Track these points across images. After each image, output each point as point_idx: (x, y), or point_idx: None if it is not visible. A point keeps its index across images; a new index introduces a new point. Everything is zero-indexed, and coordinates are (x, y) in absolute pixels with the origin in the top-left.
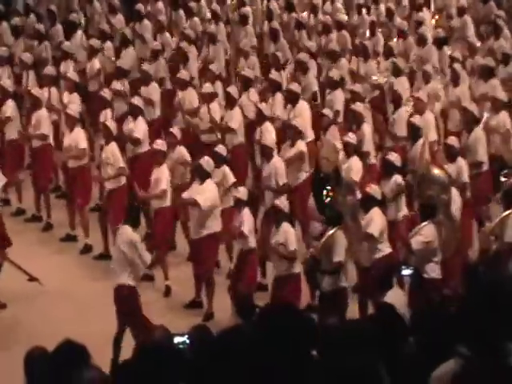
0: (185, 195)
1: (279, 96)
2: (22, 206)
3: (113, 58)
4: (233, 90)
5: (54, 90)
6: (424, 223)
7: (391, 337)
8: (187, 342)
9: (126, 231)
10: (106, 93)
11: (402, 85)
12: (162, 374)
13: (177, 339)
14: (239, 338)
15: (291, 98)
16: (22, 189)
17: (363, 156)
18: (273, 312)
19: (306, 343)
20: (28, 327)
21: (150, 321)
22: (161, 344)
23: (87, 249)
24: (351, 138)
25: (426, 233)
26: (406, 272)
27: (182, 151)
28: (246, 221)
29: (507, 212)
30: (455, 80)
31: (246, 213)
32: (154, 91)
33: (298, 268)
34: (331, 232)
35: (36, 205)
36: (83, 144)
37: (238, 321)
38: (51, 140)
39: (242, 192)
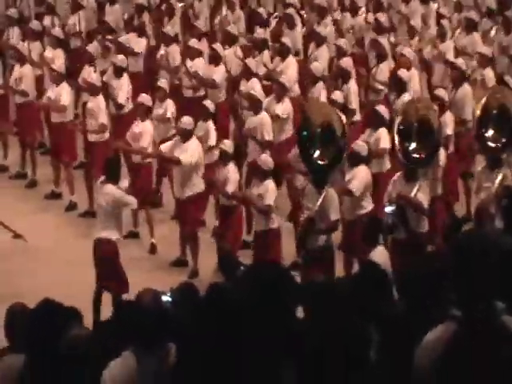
0: (164, 148)
1: (266, 53)
2: (5, 163)
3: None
4: (218, 46)
5: (37, 44)
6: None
7: (377, 295)
8: (170, 300)
9: (107, 189)
10: (91, 48)
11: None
12: (144, 334)
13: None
14: (224, 296)
15: (283, 52)
16: (8, 146)
17: (349, 113)
18: (257, 269)
19: (290, 301)
20: (13, 284)
21: (126, 277)
22: (147, 309)
23: (72, 206)
24: (338, 96)
25: (426, 190)
26: (389, 209)
27: (169, 105)
28: (232, 177)
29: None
30: (442, 36)
31: (231, 168)
32: (138, 43)
33: (277, 223)
34: (325, 192)
35: (21, 161)
36: (65, 99)
37: (221, 278)
38: (34, 96)
39: (228, 145)
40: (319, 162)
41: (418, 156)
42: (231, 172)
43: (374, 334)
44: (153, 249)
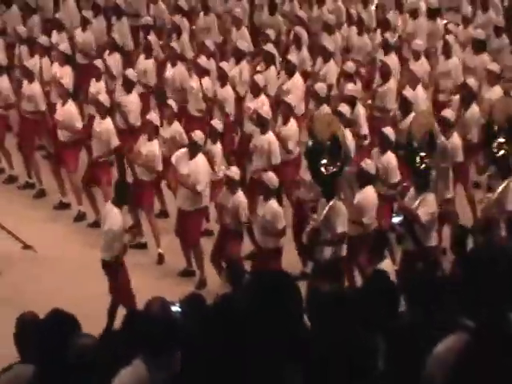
0: (173, 160)
1: (273, 69)
2: (14, 173)
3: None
4: (225, 65)
5: (46, 60)
6: (424, 196)
7: (384, 305)
8: (179, 310)
9: (114, 212)
10: (99, 63)
11: (391, 59)
12: (153, 343)
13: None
14: (232, 306)
15: (289, 69)
16: (11, 156)
17: (359, 139)
18: (261, 276)
19: (294, 307)
20: (23, 294)
21: (131, 294)
22: (157, 317)
23: (81, 216)
24: (344, 109)
25: (430, 204)
26: (396, 220)
27: (177, 128)
28: (242, 205)
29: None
30: (447, 52)
31: (241, 196)
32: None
33: (282, 242)
34: (332, 203)
35: (28, 172)
36: (78, 124)
37: (229, 288)
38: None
39: (235, 172)
40: (324, 172)
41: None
42: (241, 199)
43: (381, 344)
44: (160, 259)
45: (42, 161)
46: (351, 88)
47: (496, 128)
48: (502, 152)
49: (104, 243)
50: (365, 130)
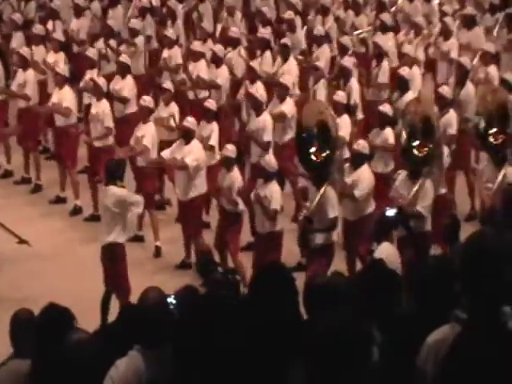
0: (166, 154)
1: (268, 53)
2: (10, 168)
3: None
4: (219, 48)
5: (41, 48)
6: (422, 183)
7: (381, 293)
8: (174, 302)
9: (111, 190)
10: (91, 52)
11: (386, 40)
12: (151, 336)
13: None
14: (226, 298)
15: (284, 53)
16: (10, 150)
17: (352, 111)
18: (264, 272)
19: (293, 302)
20: (18, 287)
21: (129, 283)
22: (152, 307)
23: (77, 210)
24: (341, 96)
25: (430, 195)
26: (391, 213)
27: (174, 109)
28: (237, 184)
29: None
30: (446, 33)
31: (236, 174)
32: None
33: (280, 225)
34: (322, 190)
35: (25, 166)
36: (68, 102)
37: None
38: (36, 101)
39: (231, 150)
40: (313, 158)
41: (420, 154)
42: (236, 178)
43: (378, 335)
44: (158, 251)
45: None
46: (347, 59)
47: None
48: (498, 141)
49: (104, 225)
50: (356, 99)
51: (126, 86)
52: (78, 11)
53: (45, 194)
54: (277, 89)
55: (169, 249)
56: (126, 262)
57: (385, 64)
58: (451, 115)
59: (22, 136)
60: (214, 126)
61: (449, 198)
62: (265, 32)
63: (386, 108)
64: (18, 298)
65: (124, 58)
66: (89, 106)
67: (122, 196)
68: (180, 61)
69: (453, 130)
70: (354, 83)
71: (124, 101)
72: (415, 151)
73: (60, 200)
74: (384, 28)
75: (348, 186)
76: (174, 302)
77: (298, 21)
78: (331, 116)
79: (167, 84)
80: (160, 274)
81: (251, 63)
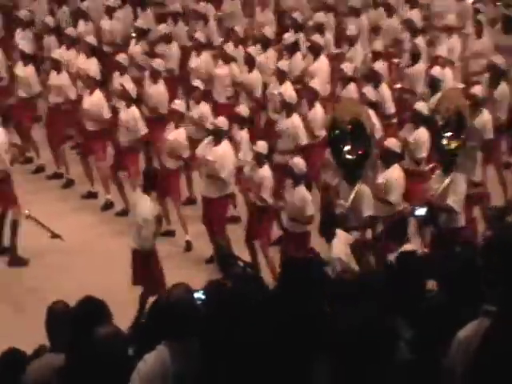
0: (199, 152)
1: (298, 55)
2: (42, 163)
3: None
4: (252, 50)
5: (73, 51)
6: (453, 177)
7: (412, 288)
8: (202, 297)
9: (144, 204)
10: (121, 58)
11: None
12: (178, 330)
13: (195, 295)
14: (251, 292)
15: (314, 50)
16: (36, 145)
17: (386, 118)
18: (288, 264)
19: (319, 297)
20: (51, 284)
21: (165, 284)
22: (178, 301)
23: (108, 205)
24: (370, 92)
25: (461, 189)
26: (421, 212)
27: (205, 108)
28: (267, 181)
29: None
30: (479, 32)
31: (266, 170)
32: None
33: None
34: (357, 188)
35: (55, 162)
36: (106, 112)
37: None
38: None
39: (262, 146)
40: (348, 156)
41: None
42: (266, 175)
43: (405, 329)
44: (188, 246)
45: (69, 151)
46: (378, 66)
47: None
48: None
49: (135, 232)
50: (390, 108)
51: (158, 92)
52: (110, 12)
53: (76, 188)
54: (306, 93)
55: (199, 243)
56: (159, 264)
57: (420, 68)
58: (487, 118)
59: (50, 133)
60: (245, 133)
61: (481, 195)
62: (291, 35)
63: (419, 106)
64: (49, 289)
65: (156, 62)
66: (116, 108)
67: (148, 219)
68: (211, 65)
69: (490, 134)
70: (384, 89)
71: (154, 111)
72: (447, 142)
73: (91, 195)
74: (414, 30)
75: (380, 189)
76: (202, 297)
77: (330, 19)
78: (366, 114)
79: (197, 82)
80: (191, 269)
81: (279, 63)
